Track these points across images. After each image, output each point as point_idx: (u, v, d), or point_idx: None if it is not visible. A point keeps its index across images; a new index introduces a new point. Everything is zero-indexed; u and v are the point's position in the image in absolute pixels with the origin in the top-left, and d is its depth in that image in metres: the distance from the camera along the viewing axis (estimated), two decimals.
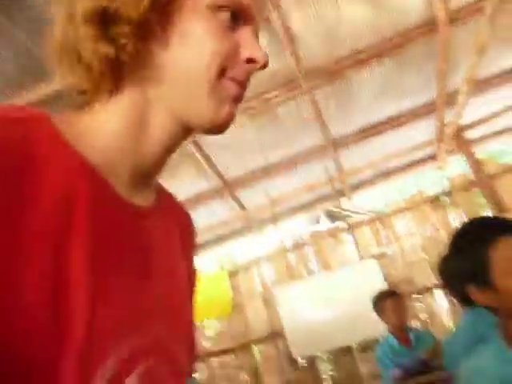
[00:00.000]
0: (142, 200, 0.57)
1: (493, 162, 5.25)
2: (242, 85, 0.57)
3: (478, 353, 1.11)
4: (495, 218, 1.16)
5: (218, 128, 0.56)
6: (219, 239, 5.87)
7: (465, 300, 1.17)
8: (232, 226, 5.74)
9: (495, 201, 4.33)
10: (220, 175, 4.84)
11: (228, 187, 5.03)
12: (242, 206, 5.40)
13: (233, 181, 5.01)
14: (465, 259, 1.06)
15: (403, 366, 2.54)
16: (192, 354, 0.64)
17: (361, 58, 3.98)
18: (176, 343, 0.56)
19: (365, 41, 3.89)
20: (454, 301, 2.10)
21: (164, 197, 0.66)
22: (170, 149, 0.57)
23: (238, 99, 0.57)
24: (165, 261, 0.58)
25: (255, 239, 5.90)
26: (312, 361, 5.37)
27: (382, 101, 4.52)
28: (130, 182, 0.54)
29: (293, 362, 5.33)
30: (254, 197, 5.25)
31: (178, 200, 0.71)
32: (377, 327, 3.43)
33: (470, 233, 1.11)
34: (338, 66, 3.99)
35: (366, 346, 4.99)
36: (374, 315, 3.05)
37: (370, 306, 3.02)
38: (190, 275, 0.68)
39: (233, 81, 0.55)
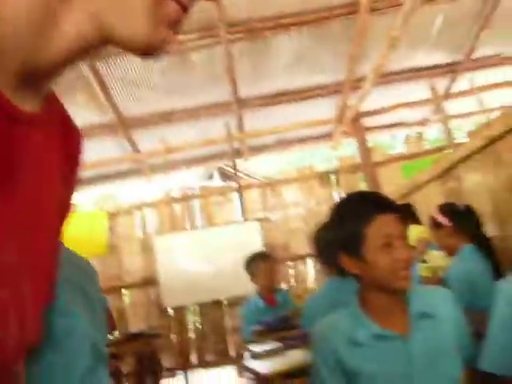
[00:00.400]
0: (26, 105, 0.47)
1: (379, 151, 5.71)
2: (186, 10, 0.49)
3: (334, 314, 1.21)
4: (375, 195, 1.21)
5: (149, 50, 0.47)
6: (104, 177, 5.57)
7: (335, 267, 1.23)
8: (120, 166, 5.48)
9: (375, 187, 4.73)
10: (117, 111, 4.53)
11: (123, 125, 4.74)
12: (135, 148, 5.16)
13: (130, 119, 4.74)
14: (342, 229, 1.12)
15: (265, 322, 2.70)
16: (49, 284, 0.57)
17: (283, 23, 3.96)
18: (30, 272, 0.49)
19: (290, 7, 3.86)
20: (322, 270, 2.26)
21: (55, 110, 0.55)
22: (76, 55, 0.47)
23: (177, 25, 0.49)
24: (36, 179, 0.49)
25: (143, 184, 5.72)
26: (180, 311, 5.48)
27: (295, 71, 4.58)
28: (15, 80, 0.44)
29: (161, 309, 5.38)
30: (149, 140, 5.04)
31: (72, 119, 0.61)
32: (247, 285, 3.59)
33: (351, 205, 1.17)
34: (260, 25, 3.92)
35: (235, 302, 5.23)
36: (246, 274, 3.15)
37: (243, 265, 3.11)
38: (65, 201, 0.59)
39: (177, 2, 0.47)
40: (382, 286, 1.10)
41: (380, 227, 1.08)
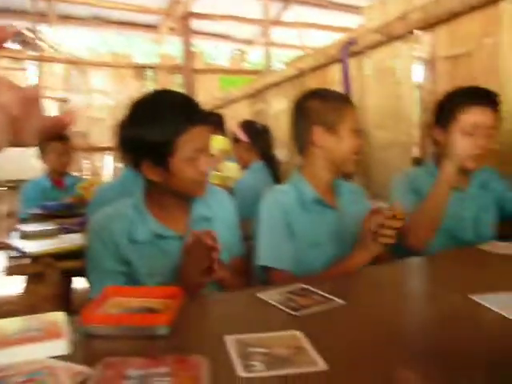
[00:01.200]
0: None
1: (201, 59, 5.62)
2: None
3: (118, 203, 1.16)
4: (189, 102, 1.08)
5: None
6: None
7: (132, 160, 1.14)
8: None
9: (191, 92, 4.66)
10: None
11: None
12: None
13: None
14: (151, 135, 0.99)
15: (46, 206, 2.50)
16: None
17: None
18: None
19: None
20: (119, 160, 2.15)
21: None
22: None
23: None
24: None
25: None
26: None
27: None
28: None
29: None
30: None
31: None
32: (33, 170, 3.26)
33: (163, 110, 1.05)
34: None
35: (16, 186, 4.69)
36: (33, 157, 2.86)
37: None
38: None
39: None
40: (178, 192, 1.08)
41: (192, 140, 1.02)
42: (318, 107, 1.27)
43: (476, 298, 0.84)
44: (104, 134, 4.96)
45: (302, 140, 1.32)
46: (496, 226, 1.50)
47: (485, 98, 1.42)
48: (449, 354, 0.65)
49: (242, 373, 0.58)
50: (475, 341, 0.69)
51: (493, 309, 0.79)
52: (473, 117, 1.39)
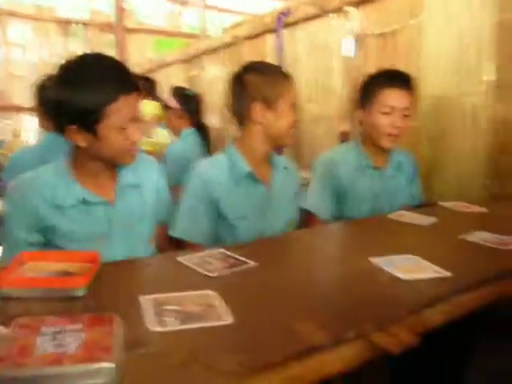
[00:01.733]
0: None
1: (133, 17, 5.34)
2: None
3: (39, 169, 1.12)
4: (121, 67, 1.05)
5: None
6: None
7: (54, 122, 1.10)
8: None
9: (123, 53, 4.46)
10: None
11: None
12: None
13: None
14: (80, 100, 0.97)
15: None
16: None
17: None
18: None
19: None
20: (39, 123, 2.04)
21: None
22: None
23: None
24: None
25: None
26: None
27: None
28: None
29: None
30: None
31: None
32: None
33: (94, 75, 1.00)
34: None
35: None
36: None
37: None
38: None
39: None
40: (105, 159, 1.07)
41: (123, 109, 1.00)
42: (258, 82, 1.28)
43: (374, 260, 0.94)
44: (25, 92, 4.62)
45: (240, 114, 1.32)
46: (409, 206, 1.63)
47: (402, 80, 1.54)
48: (344, 308, 0.74)
49: (154, 327, 0.63)
50: (368, 297, 0.78)
51: (387, 270, 0.89)
52: (390, 98, 1.52)
